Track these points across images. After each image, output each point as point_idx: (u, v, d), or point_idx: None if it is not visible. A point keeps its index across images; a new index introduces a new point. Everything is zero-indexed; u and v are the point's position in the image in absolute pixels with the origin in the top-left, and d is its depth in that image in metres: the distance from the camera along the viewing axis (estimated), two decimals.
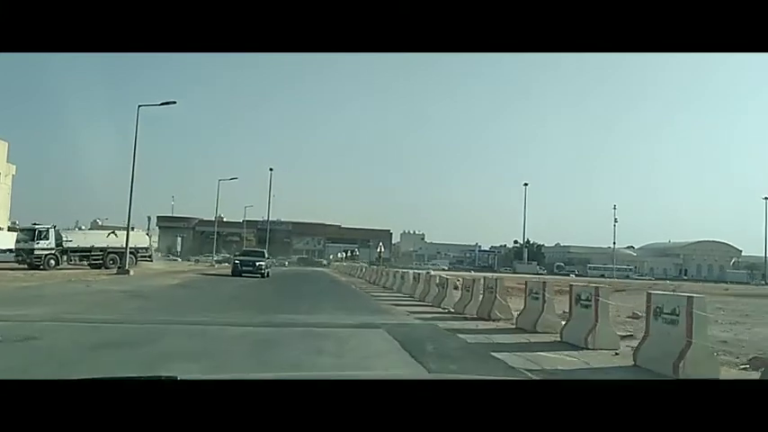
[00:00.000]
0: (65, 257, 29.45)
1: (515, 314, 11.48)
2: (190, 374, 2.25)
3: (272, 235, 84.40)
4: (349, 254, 52.68)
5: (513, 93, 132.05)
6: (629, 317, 12.41)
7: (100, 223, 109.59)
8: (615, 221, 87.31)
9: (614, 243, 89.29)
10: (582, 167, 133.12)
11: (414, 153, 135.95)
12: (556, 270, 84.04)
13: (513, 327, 10.76)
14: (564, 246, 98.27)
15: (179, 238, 66.57)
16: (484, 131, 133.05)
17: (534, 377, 5.94)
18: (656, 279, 67.98)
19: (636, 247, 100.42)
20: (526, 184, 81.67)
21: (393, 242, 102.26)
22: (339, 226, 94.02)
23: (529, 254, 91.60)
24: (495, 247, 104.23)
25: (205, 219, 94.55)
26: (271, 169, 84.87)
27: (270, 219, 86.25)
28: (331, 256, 74.94)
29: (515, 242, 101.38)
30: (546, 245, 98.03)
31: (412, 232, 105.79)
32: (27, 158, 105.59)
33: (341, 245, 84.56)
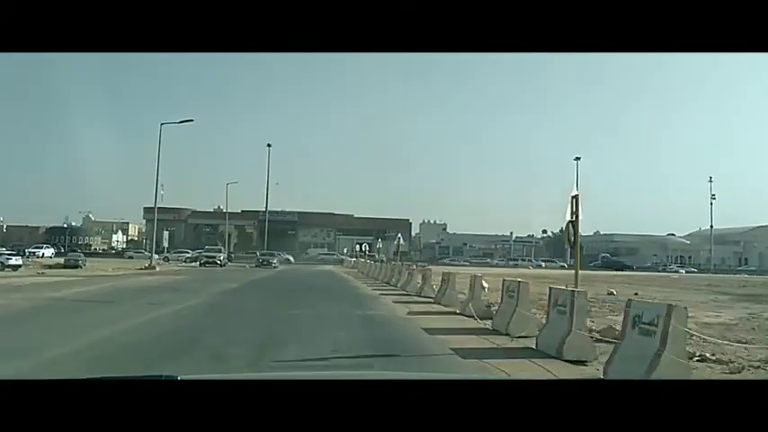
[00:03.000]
0: None
1: None
2: (191, 374, 2.04)
3: (275, 226, 73.67)
4: (380, 245, 41.48)
5: (534, 74, 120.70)
6: None
7: (92, 218, 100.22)
8: (713, 198, 73.06)
9: (711, 226, 75.84)
10: (621, 147, 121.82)
11: (431, 138, 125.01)
12: (601, 263, 72.51)
13: None
14: (605, 234, 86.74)
15: (166, 232, 56.22)
16: (505, 115, 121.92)
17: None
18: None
19: (677, 235, 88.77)
20: (578, 158, 65.94)
21: (412, 233, 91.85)
22: (351, 216, 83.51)
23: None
24: (521, 237, 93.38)
25: (199, 210, 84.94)
26: (269, 145, 72.77)
27: (273, 209, 76.09)
28: (345, 250, 63.95)
29: (544, 231, 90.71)
30: (583, 234, 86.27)
31: (432, 222, 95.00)
32: None
33: (354, 237, 73.64)
